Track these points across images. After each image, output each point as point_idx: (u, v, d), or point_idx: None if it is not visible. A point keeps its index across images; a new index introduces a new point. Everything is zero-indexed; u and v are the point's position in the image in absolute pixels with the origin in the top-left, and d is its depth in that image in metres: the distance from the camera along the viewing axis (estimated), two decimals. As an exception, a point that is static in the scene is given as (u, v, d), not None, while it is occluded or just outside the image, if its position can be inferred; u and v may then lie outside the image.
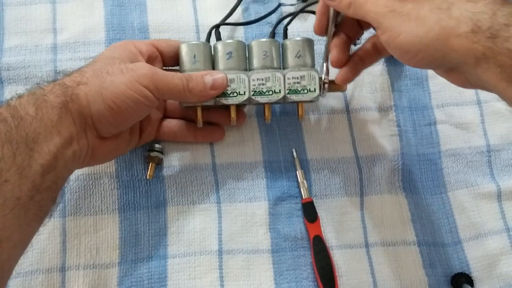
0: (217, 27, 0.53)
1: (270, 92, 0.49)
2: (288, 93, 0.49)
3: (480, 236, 0.54)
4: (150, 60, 0.48)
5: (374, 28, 0.43)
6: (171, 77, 0.45)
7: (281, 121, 0.55)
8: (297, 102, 0.50)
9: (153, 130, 0.51)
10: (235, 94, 0.48)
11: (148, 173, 0.51)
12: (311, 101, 0.50)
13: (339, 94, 0.57)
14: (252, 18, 0.58)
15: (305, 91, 0.49)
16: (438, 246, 0.53)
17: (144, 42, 0.49)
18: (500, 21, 0.34)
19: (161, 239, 0.50)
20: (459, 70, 0.38)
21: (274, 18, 0.59)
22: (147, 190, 0.52)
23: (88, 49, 0.57)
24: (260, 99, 0.49)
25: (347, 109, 0.56)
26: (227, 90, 0.48)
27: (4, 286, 0.36)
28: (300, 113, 0.51)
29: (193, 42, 0.49)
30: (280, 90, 0.49)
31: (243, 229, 0.52)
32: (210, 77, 0.47)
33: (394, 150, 0.55)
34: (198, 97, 0.47)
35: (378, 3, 0.40)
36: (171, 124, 0.52)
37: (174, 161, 0.53)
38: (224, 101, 0.48)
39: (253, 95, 0.49)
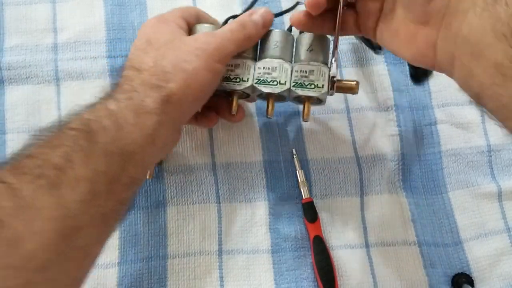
0: (234, 17, 0.51)
1: (275, 83, 0.46)
2: (293, 86, 0.46)
3: (480, 236, 0.53)
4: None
5: None
6: (231, 33, 0.44)
7: (281, 121, 0.55)
8: (304, 99, 0.47)
9: None
10: (238, 80, 0.46)
11: (148, 173, 0.51)
12: (318, 101, 0.48)
13: (339, 94, 0.56)
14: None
15: (312, 86, 0.46)
16: (439, 246, 0.53)
17: (175, 16, 0.47)
18: None
19: (160, 239, 0.50)
20: (437, 22, 0.37)
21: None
22: (146, 190, 0.52)
23: (89, 49, 0.57)
24: (263, 88, 0.46)
25: (347, 109, 0.56)
26: (230, 75, 0.46)
27: None
28: (305, 111, 0.47)
29: (207, 25, 0.48)
30: (285, 82, 0.46)
31: (243, 229, 0.51)
32: (258, 16, 0.46)
33: (394, 150, 0.55)
34: (255, 40, 0.46)
35: None
36: None
37: (174, 161, 0.53)
38: (226, 85, 0.46)
39: (256, 83, 0.46)
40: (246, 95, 0.48)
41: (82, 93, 0.55)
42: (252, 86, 0.47)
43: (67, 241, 0.31)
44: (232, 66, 0.47)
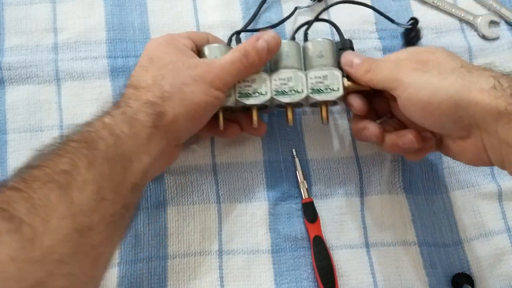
0: (237, 33, 0.53)
1: (293, 92, 0.47)
2: (311, 93, 0.47)
3: (481, 236, 0.53)
4: None
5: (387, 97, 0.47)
6: (231, 64, 0.45)
7: (281, 121, 0.55)
8: (321, 103, 0.48)
9: None
10: (256, 94, 0.47)
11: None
12: (334, 103, 0.49)
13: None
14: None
15: (329, 90, 0.47)
16: (439, 246, 0.53)
17: (183, 37, 0.48)
18: None
19: (161, 239, 0.50)
20: (476, 132, 0.40)
21: (274, 17, 0.59)
22: (146, 190, 0.52)
23: (89, 49, 0.57)
24: (283, 98, 0.47)
25: (347, 109, 0.56)
26: (248, 90, 0.47)
27: None
28: (324, 115, 0.48)
29: (215, 45, 0.49)
30: (302, 90, 0.47)
31: (243, 229, 0.52)
32: (263, 42, 0.46)
33: (394, 150, 0.55)
34: (259, 67, 0.47)
35: (401, 66, 0.43)
36: None
37: (174, 161, 0.53)
38: (246, 101, 0.47)
39: (275, 95, 0.47)
40: (264, 107, 0.49)
41: (83, 93, 0.55)
42: (271, 99, 0.47)
43: (81, 238, 0.33)
44: (249, 81, 0.47)
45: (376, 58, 0.46)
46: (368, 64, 0.45)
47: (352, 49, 0.51)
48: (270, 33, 0.46)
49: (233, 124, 0.52)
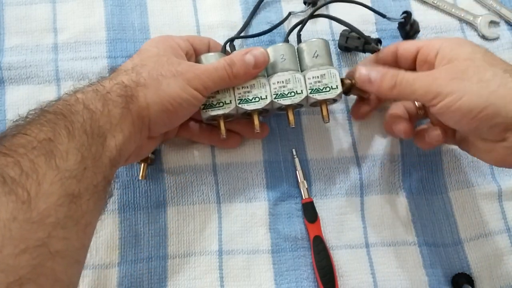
0: (231, 40, 0.53)
1: (293, 94, 0.47)
2: (310, 93, 0.47)
3: (481, 236, 0.53)
4: (187, 56, 0.48)
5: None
6: (215, 70, 0.45)
7: (281, 121, 0.55)
8: (321, 102, 0.48)
9: (176, 129, 0.51)
10: (257, 99, 0.47)
11: (140, 174, 0.51)
12: (334, 100, 0.49)
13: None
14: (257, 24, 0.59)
15: (328, 89, 0.47)
16: (439, 246, 0.53)
17: (182, 38, 0.49)
18: None
19: (161, 239, 0.51)
20: (511, 137, 0.40)
21: (274, 18, 0.59)
22: (146, 190, 0.52)
23: (89, 49, 0.57)
24: (283, 101, 0.47)
25: (347, 109, 0.56)
26: (248, 96, 0.47)
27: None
28: (324, 114, 0.49)
29: (211, 54, 0.49)
30: (302, 91, 0.47)
31: (243, 229, 0.52)
32: (251, 56, 0.46)
33: (394, 150, 0.55)
34: (243, 80, 0.47)
35: (438, 78, 0.42)
36: (189, 124, 0.52)
37: (174, 161, 0.53)
38: (247, 106, 0.47)
39: (275, 98, 0.47)
40: (265, 111, 0.49)
41: (83, 93, 0.55)
42: (271, 102, 0.48)
43: (72, 204, 0.34)
44: (248, 87, 0.47)
45: (395, 69, 0.45)
46: (391, 79, 0.44)
47: (360, 32, 0.53)
48: (260, 49, 0.47)
49: (233, 134, 0.52)
